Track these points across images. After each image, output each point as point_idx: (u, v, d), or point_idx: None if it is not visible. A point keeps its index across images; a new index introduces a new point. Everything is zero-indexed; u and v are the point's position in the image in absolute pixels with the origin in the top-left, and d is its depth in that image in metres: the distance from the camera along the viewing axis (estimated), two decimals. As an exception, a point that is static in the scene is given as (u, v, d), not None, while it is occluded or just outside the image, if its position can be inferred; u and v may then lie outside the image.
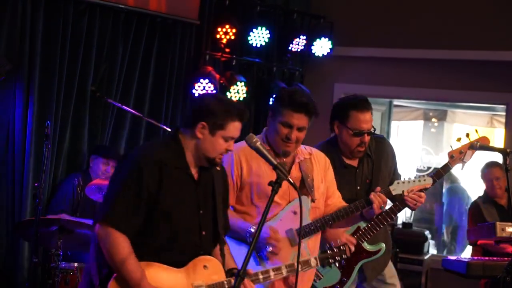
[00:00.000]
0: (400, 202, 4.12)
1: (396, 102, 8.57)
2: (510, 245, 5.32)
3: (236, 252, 3.62)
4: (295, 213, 3.63)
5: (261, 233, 3.46)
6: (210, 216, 3.26)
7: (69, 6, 5.50)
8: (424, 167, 9.46)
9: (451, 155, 4.14)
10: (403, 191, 3.72)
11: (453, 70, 7.11)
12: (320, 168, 3.80)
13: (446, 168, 4.16)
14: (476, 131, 4.23)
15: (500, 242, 5.32)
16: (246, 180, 3.63)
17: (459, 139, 4.16)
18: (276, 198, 3.58)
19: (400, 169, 4.51)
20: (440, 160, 10.25)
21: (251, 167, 3.64)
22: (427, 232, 7.17)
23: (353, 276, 4.24)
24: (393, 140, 8.90)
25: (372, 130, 4.15)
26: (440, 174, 4.14)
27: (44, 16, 5.37)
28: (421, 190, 3.81)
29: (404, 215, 7.84)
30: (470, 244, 5.99)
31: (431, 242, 7.78)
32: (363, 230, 4.21)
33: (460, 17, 7.06)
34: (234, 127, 3.22)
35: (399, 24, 7.26)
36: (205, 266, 3.17)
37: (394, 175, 4.39)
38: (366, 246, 4.25)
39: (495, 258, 5.22)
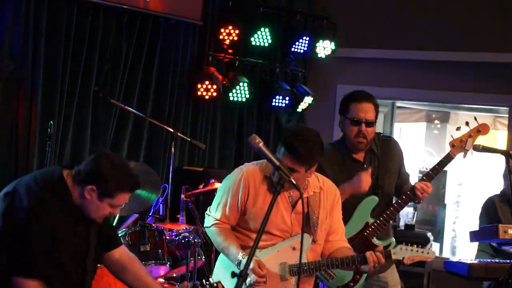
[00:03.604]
0: (410, 190, 4.15)
1: (398, 103, 8.56)
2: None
3: (223, 275, 3.64)
4: (293, 248, 3.57)
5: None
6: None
7: (72, 7, 5.51)
8: (426, 169, 9.44)
9: (452, 144, 4.20)
10: (403, 258, 3.68)
11: (456, 72, 7.11)
12: (328, 203, 3.71)
13: (449, 157, 4.21)
14: (475, 118, 4.25)
15: (502, 244, 5.32)
16: (250, 210, 3.57)
17: (458, 128, 4.20)
18: (278, 232, 3.57)
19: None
20: (443, 162, 10.22)
21: (257, 198, 3.56)
22: (429, 234, 7.17)
23: (365, 274, 4.17)
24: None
25: (371, 120, 4.17)
26: (443, 163, 4.20)
27: (48, 16, 5.37)
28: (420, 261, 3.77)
29: (406, 217, 7.84)
30: None
31: (434, 243, 7.78)
32: (373, 227, 4.19)
33: (463, 19, 7.06)
34: (123, 197, 3.24)
35: (402, 25, 7.26)
36: None
37: (401, 174, 4.42)
38: (376, 241, 4.21)
39: (497, 260, 5.21)
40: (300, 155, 3.40)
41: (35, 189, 3.16)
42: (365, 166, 4.27)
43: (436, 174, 4.22)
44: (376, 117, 4.25)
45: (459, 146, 4.19)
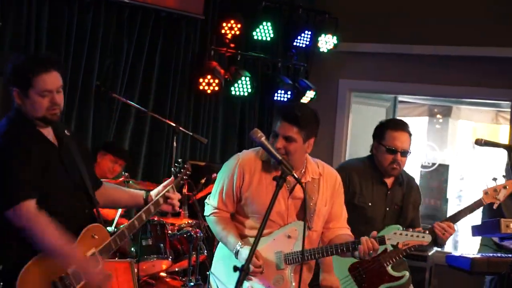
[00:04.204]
0: (429, 230, 4.03)
1: (401, 98, 8.56)
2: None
3: (222, 264, 3.64)
4: (289, 237, 3.55)
5: (244, 254, 3.40)
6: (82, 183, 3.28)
7: (73, 2, 5.51)
8: (428, 163, 9.44)
9: (485, 192, 4.19)
10: (397, 243, 3.61)
11: (458, 66, 7.10)
12: (328, 189, 3.67)
13: (479, 203, 4.20)
14: None
15: (504, 239, 5.31)
16: (245, 194, 3.56)
17: (495, 179, 4.20)
18: (274, 217, 3.54)
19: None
20: (445, 156, 10.23)
21: (251, 182, 3.55)
22: (431, 228, 7.15)
23: None
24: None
25: (406, 150, 4.18)
26: (472, 208, 4.19)
27: (49, 12, 5.37)
28: (419, 245, 3.69)
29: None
30: None
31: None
32: (390, 253, 4.10)
33: (465, 13, 7.04)
34: (44, 80, 3.09)
35: (404, 20, 7.24)
36: (92, 236, 3.17)
37: (416, 216, 4.41)
38: (390, 270, 4.13)
39: (499, 255, 5.21)
40: (297, 119, 3.43)
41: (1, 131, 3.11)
42: (388, 192, 4.26)
43: (462, 217, 4.18)
44: (410, 146, 4.26)
45: (492, 195, 4.18)
